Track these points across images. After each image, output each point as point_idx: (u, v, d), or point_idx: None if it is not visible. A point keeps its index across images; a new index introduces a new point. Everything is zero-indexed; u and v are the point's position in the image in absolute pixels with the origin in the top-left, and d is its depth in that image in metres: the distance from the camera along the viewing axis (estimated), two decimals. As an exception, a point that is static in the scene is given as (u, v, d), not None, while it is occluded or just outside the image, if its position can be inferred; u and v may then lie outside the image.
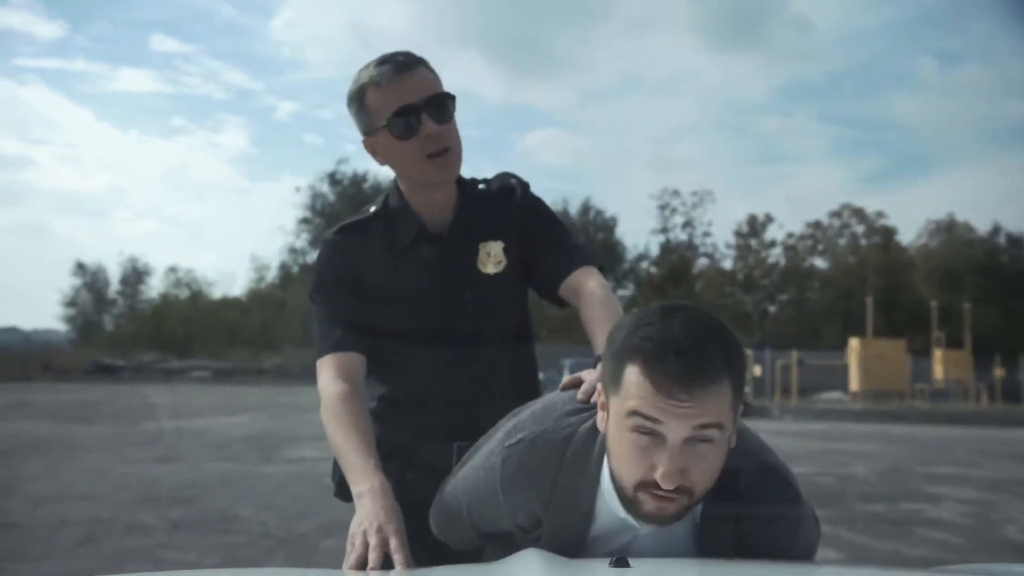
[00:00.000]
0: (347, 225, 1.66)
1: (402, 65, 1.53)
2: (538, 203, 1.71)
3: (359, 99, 1.56)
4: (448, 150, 1.55)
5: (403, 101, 1.51)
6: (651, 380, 0.99)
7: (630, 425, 1.02)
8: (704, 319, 1.04)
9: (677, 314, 1.03)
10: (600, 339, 1.41)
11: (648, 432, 1.01)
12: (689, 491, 1.03)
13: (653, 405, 1.00)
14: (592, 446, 1.15)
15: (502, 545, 1.27)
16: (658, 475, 1.00)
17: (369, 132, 1.57)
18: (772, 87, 64.99)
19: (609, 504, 1.14)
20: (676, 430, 0.99)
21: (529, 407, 1.28)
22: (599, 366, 1.22)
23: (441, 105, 1.54)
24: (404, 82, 1.52)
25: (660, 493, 1.02)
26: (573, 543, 1.16)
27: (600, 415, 1.11)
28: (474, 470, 1.27)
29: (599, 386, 1.12)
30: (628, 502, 1.07)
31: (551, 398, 1.29)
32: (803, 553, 1.19)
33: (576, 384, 1.29)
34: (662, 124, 67.29)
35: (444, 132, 1.54)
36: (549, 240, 1.67)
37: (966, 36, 60.04)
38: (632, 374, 1.01)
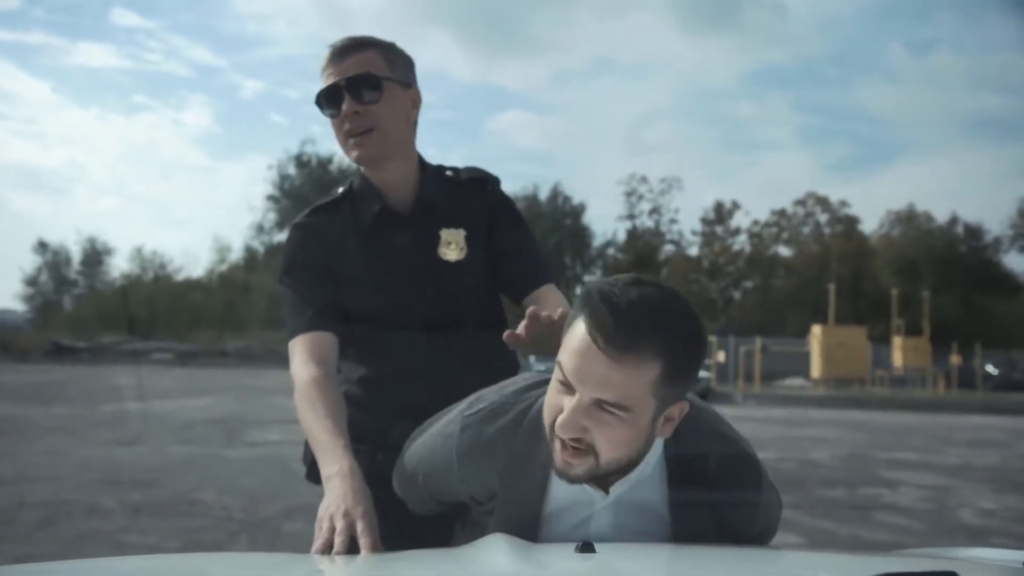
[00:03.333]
0: (316, 208, 1.67)
1: (342, 48, 1.55)
2: (508, 202, 1.73)
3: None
4: (371, 130, 1.56)
5: (330, 82, 1.55)
6: (574, 339, 1.03)
7: (556, 373, 1.06)
8: (655, 298, 1.02)
9: (631, 289, 1.02)
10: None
11: (564, 383, 1.04)
12: (593, 450, 1.04)
13: (569, 363, 1.04)
14: None
15: (462, 519, 1.28)
16: (557, 422, 1.04)
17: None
18: (744, 72, 65.41)
19: None
20: (582, 392, 1.02)
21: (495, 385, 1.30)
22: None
23: (363, 84, 1.54)
24: (338, 64, 1.55)
25: (566, 443, 1.04)
26: (528, 515, 1.16)
27: None
28: (432, 437, 1.28)
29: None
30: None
31: (515, 377, 1.31)
32: (763, 536, 1.21)
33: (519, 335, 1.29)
34: (634, 108, 67.59)
35: (367, 112, 1.55)
36: (516, 246, 1.68)
37: (937, 26, 60.93)
38: (570, 326, 1.05)
